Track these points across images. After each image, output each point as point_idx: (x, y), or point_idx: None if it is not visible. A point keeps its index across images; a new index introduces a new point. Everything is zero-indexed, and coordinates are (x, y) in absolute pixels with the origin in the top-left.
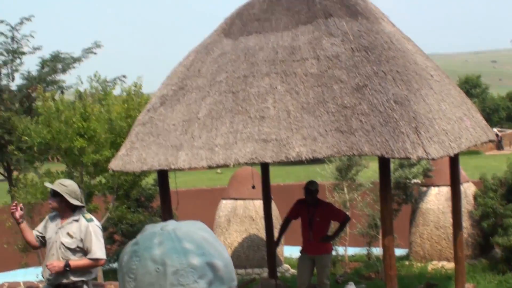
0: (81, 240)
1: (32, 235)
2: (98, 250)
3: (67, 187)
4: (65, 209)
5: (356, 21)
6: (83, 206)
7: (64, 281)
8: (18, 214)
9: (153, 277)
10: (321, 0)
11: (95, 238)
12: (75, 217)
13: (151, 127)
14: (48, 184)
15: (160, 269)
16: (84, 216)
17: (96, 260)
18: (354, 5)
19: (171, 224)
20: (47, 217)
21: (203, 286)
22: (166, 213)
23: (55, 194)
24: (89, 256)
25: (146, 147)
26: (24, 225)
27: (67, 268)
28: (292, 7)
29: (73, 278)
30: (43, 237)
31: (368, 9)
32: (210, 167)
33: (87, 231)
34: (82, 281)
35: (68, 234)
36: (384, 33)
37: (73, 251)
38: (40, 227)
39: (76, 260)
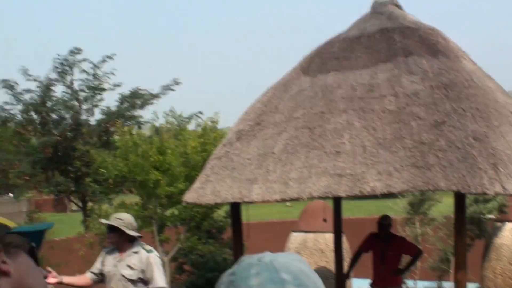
0: (142, 271)
1: (83, 279)
2: (160, 280)
3: (124, 220)
4: (123, 242)
5: (436, 59)
6: (140, 237)
7: None
8: (53, 280)
9: None
10: (402, 39)
11: (156, 268)
12: (134, 249)
13: (226, 161)
14: (104, 220)
15: None
16: (143, 248)
17: None
18: (435, 43)
19: (267, 256)
20: (103, 253)
21: None
22: (238, 245)
23: (113, 229)
24: (151, 286)
25: (221, 180)
26: (68, 278)
27: None
28: (372, 46)
29: None
30: (102, 274)
31: (449, 47)
32: (283, 200)
33: (148, 262)
34: None
35: (129, 266)
36: (465, 71)
37: (134, 282)
38: (98, 264)
39: None
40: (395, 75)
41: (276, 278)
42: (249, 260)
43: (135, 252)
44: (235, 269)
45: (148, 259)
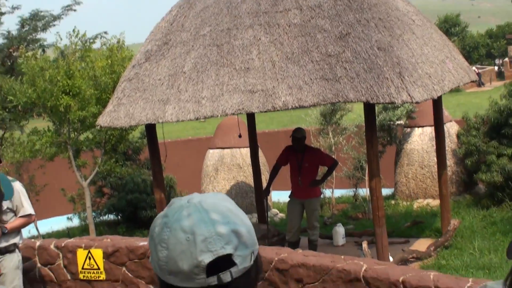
0: (10, 200)
1: None
2: (28, 206)
3: None
4: None
5: None
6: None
7: None
8: None
9: (184, 245)
10: None
11: (23, 196)
12: None
13: (137, 83)
14: None
15: (190, 238)
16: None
17: (29, 215)
18: None
19: (196, 197)
20: None
21: (229, 251)
22: (156, 165)
23: None
24: (21, 213)
25: (133, 103)
26: None
27: (4, 232)
28: None
29: (5, 243)
30: None
31: None
32: (197, 119)
33: (14, 191)
34: (14, 244)
35: None
36: None
37: (4, 212)
38: None
39: (10, 222)
40: None
41: (206, 218)
42: (180, 202)
43: None
44: (167, 212)
45: (13, 188)
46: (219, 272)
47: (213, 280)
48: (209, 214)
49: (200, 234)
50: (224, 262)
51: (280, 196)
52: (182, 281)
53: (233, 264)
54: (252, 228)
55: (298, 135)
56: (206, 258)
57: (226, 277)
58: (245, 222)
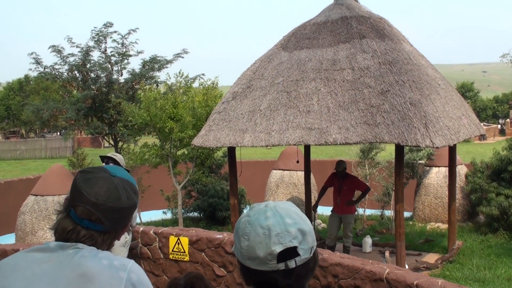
0: None
1: None
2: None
3: (118, 156)
4: None
5: (383, 41)
6: (128, 171)
7: None
8: None
9: (261, 238)
10: (357, 25)
11: None
12: None
13: (224, 115)
14: (110, 154)
15: (266, 233)
16: None
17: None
18: (382, 29)
19: (271, 203)
20: None
21: (295, 244)
22: (233, 178)
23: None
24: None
25: (220, 130)
26: None
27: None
28: (334, 30)
29: None
30: None
31: (393, 32)
32: (267, 146)
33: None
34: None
35: None
36: (404, 51)
37: None
38: None
39: None
40: (352, 53)
41: (281, 222)
42: (259, 206)
43: None
44: (249, 212)
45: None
46: (286, 259)
47: (281, 266)
48: (284, 219)
49: (274, 230)
50: (290, 252)
51: (323, 210)
52: (258, 265)
53: (297, 254)
54: (312, 230)
55: (339, 168)
56: (278, 248)
57: (291, 264)
58: (308, 224)
